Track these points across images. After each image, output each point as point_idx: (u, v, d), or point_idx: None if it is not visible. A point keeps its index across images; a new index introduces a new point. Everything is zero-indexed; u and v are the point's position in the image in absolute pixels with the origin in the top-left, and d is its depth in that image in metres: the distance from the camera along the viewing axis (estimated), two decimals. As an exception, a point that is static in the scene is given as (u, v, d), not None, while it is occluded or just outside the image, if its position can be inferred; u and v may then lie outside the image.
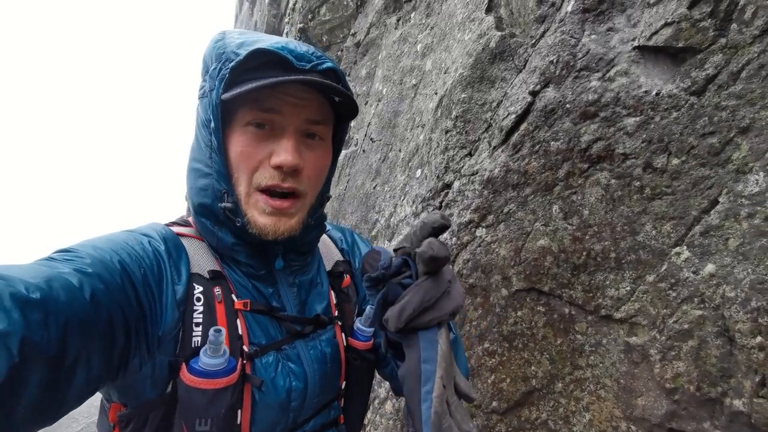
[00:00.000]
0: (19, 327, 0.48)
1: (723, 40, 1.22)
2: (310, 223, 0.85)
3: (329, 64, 0.76)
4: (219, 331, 0.69)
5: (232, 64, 0.70)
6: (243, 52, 0.70)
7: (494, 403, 1.64)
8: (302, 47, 0.75)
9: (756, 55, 1.16)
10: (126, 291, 0.64)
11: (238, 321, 0.77)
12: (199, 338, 0.72)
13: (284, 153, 0.73)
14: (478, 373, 1.69)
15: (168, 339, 0.70)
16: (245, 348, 0.77)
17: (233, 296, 0.79)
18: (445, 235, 1.83)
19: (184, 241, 0.80)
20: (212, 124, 0.74)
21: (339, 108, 0.83)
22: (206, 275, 0.78)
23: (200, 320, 0.74)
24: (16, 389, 0.48)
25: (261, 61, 0.71)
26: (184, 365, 0.70)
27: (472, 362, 1.71)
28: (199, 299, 0.75)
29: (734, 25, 1.20)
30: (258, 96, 0.73)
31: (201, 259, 0.80)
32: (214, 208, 0.77)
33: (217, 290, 0.77)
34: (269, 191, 0.76)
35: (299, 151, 0.75)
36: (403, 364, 0.62)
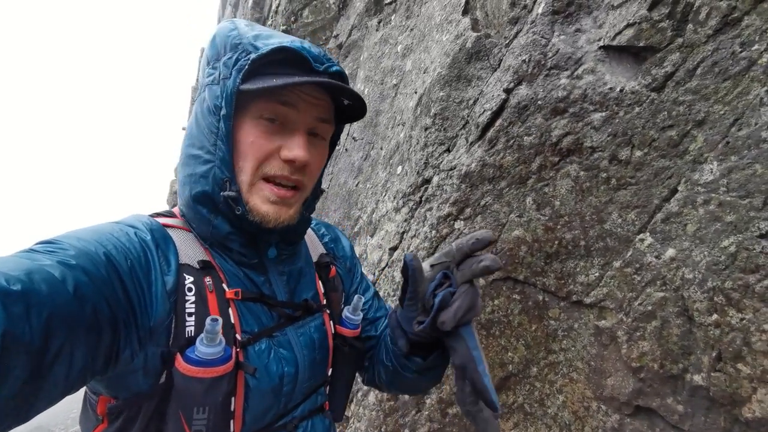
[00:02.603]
0: (0, 320, 0.48)
1: (680, 40, 1.30)
2: (305, 215, 0.89)
3: (337, 68, 0.80)
4: (216, 320, 0.69)
5: (253, 56, 0.72)
6: (262, 46, 0.73)
7: (473, 390, 1.70)
8: (315, 48, 0.79)
9: (710, 53, 1.24)
10: (112, 283, 0.64)
11: (230, 310, 0.79)
12: (192, 328, 0.73)
13: (297, 149, 0.76)
14: (458, 362, 1.75)
15: (160, 330, 0.70)
16: (238, 336, 0.78)
17: (224, 286, 0.80)
18: (425, 228, 1.88)
19: (171, 232, 0.81)
20: (223, 111, 0.75)
21: (339, 111, 0.88)
22: (196, 265, 0.79)
23: (193, 310, 0.74)
24: None
25: (281, 56, 0.74)
26: (179, 355, 0.70)
27: (451, 351, 1.77)
28: (190, 289, 0.75)
29: (690, 26, 1.28)
30: (277, 90, 0.75)
31: (189, 249, 0.81)
32: (215, 196, 0.78)
33: (208, 280, 0.78)
34: (275, 181, 0.79)
35: (308, 148, 0.79)
36: (455, 354, 0.79)
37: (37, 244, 0.64)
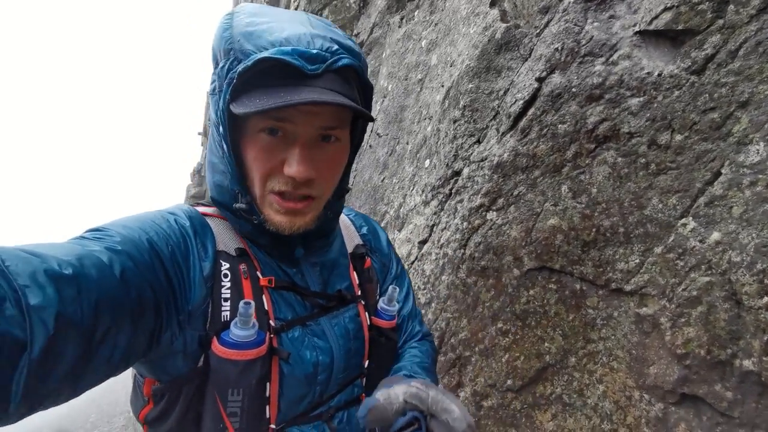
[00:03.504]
0: (53, 301, 0.50)
1: (721, 21, 1.28)
2: (328, 215, 0.87)
3: (345, 61, 0.72)
4: (248, 303, 0.71)
5: (240, 68, 0.67)
6: (252, 51, 0.67)
7: (509, 381, 1.69)
8: (316, 42, 0.70)
9: (753, 33, 1.22)
10: (155, 268, 0.66)
11: (264, 297, 0.80)
12: (228, 312, 0.75)
13: (296, 164, 0.72)
14: (493, 353, 1.74)
15: (197, 314, 0.73)
16: (272, 322, 0.79)
17: (258, 273, 0.81)
18: (456, 220, 1.88)
19: (210, 221, 0.83)
20: (221, 129, 0.73)
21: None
22: (232, 252, 0.81)
23: (228, 295, 0.76)
24: (52, 360, 0.50)
25: (270, 65, 0.67)
26: (215, 338, 0.73)
27: (485, 343, 1.76)
28: (226, 275, 0.77)
29: (731, 6, 1.26)
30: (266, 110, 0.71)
31: (226, 237, 0.83)
32: (230, 207, 0.80)
33: (243, 267, 0.80)
34: (282, 194, 0.77)
35: (312, 160, 0.73)
36: None
37: (86, 231, 0.67)
